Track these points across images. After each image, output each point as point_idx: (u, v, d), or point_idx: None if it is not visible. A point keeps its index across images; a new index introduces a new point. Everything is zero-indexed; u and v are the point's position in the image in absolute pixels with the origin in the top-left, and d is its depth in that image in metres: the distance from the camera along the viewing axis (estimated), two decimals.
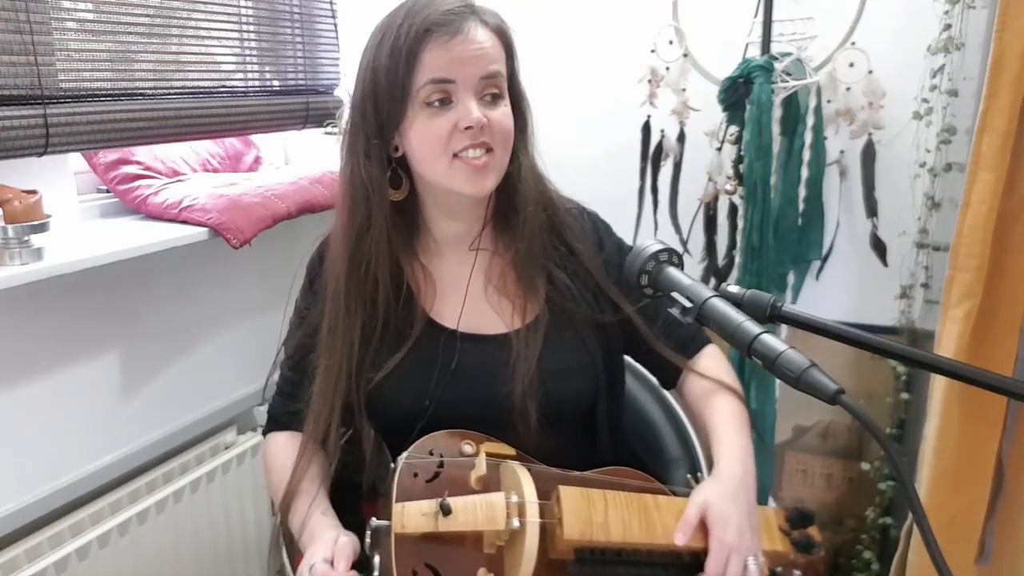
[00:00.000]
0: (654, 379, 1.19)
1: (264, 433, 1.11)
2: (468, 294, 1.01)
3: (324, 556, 0.85)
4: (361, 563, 0.86)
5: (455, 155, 0.91)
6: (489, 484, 0.87)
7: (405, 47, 0.89)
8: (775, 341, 0.68)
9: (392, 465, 0.88)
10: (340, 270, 0.97)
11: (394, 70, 0.90)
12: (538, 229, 1.00)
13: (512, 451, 0.92)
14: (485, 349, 0.98)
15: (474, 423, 0.93)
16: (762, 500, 1.56)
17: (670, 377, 1.11)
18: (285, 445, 1.06)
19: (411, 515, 0.81)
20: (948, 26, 1.40)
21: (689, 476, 1.07)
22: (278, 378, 1.10)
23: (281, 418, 1.08)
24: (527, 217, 0.98)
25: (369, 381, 0.96)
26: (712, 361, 1.09)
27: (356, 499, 1.01)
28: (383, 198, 0.95)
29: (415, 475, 0.86)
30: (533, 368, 0.95)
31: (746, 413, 1.02)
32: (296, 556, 0.95)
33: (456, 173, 0.92)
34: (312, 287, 1.05)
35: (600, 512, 0.85)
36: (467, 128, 0.89)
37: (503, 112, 0.93)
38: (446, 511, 0.80)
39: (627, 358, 1.10)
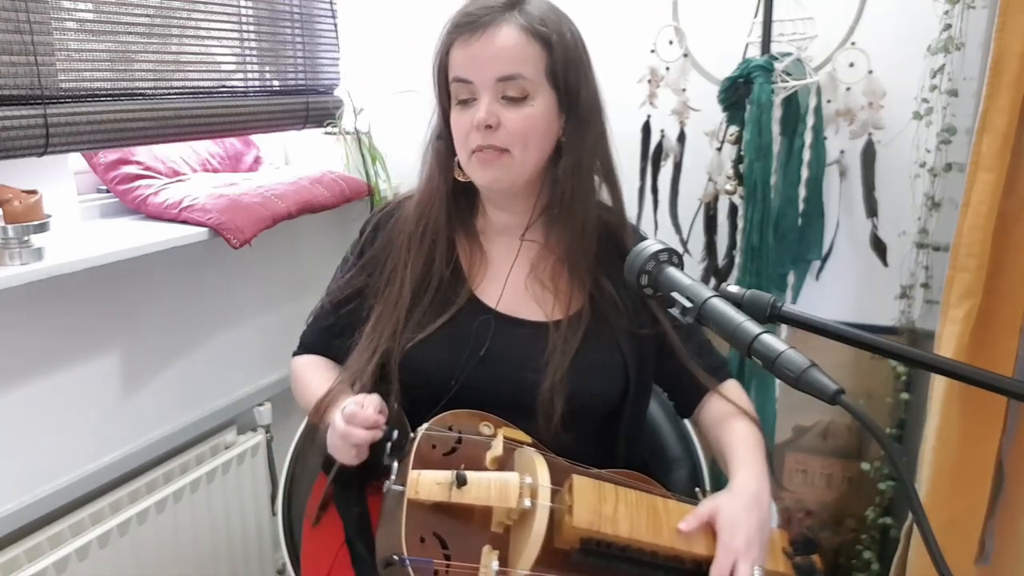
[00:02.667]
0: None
1: (293, 356, 1.15)
2: (510, 279, 1.04)
3: (355, 401, 0.89)
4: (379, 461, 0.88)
5: (474, 151, 0.96)
6: (504, 466, 0.88)
7: (440, 45, 0.97)
8: (775, 341, 0.68)
9: (411, 435, 0.89)
10: (410, 226, 1.04)
11: (435, 66, 1.00)
12: (589, 231, 1.01)
13: (528, 439, 0.93)
14: (520, 334, 1.01)
15: (498, 404, 0.94)
16: None
17: (690, 403, 1.12)
18: (314, 362, 1.10)
19: (426, 483, 0.82)
20: (948, 26, 1.40)
21: (697, 489, 1.08)
22: (316, 310, 1.13)
23: (311, 345, 1.12)
24: (571, 215, 1.00)
25: (409, 340, 0.99)
26: (734, 392, 1.10)
27: (363, 493, 1.02)
28: (446, 178, 1.03)
29: (433, 446, 0.87)
30: (568, 362, 0.97)
31: (763, 439, 1.02)
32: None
33: (473, 164, 0.98)
34: (363, 250, 1.08)
35: (610, 505, 0.85)
36: (477, 127, 0.93)
37: (523, 114, 0.94)
38: (461, 482, 0.81)
39: None
